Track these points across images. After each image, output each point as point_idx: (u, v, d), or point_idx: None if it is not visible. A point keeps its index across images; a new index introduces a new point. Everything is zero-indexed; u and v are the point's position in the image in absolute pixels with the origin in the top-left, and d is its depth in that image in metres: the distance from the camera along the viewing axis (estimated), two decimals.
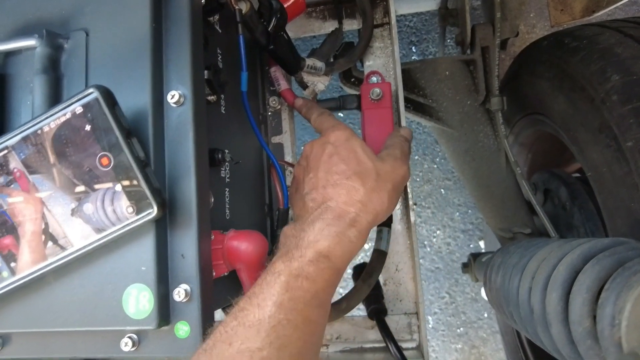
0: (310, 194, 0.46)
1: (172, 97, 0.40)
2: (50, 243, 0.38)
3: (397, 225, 0.72)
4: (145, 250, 0.38)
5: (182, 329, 0.39)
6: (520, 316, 0.45)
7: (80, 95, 0.36)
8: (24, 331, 0.42)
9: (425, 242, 1.45)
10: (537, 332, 0.42)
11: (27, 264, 0.38)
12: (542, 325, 0.39)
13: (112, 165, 0.36)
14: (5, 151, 0.36)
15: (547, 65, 0.70)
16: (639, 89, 0.53)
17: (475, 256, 0.81)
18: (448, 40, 1.29)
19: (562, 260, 0.37)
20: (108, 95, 0.36)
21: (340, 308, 0.54)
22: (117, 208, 0.37)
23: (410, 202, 0.65)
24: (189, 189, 0.40)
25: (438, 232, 1.44)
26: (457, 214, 1.43)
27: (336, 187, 0.44)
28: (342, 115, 1.49)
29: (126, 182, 0.36)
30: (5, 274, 0.38)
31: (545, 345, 0.41)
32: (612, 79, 0.55)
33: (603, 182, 0.57)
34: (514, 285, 0.46)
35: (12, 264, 0.38)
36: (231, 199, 0.53)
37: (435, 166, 1.45)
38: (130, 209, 0.37)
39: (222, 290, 0.46)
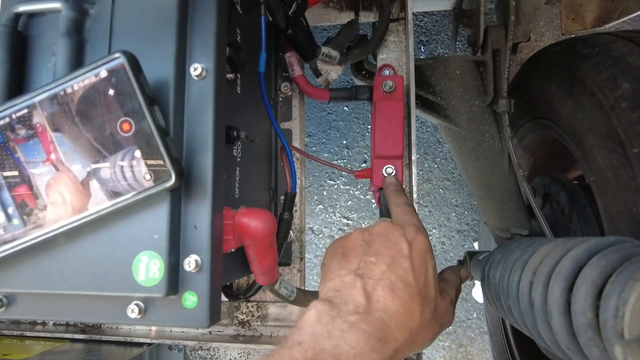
0: (364, 279, 0.40)
1: (195, 69, 0.40)
2: (65, 202, 0.38)
3: None
4: (159, 218, 0.39)
5: (190, 299, 0.40)
6: (519, 309, 0.46)
7: (106, 59, 0.36)
8: (30, 292, 0.41)
9: None
10: (535, 325, 0.42)
11: (40, 219, 0.38)
12: (542, 317, 0.40)
13: (133, 131, 0.36)
14: (31, 107, 0.36)
15: (559, 70, 0.71)
16: None
17: (472, 254, 0.82)
18: (458, 43, 1.29)
19: (567, 255, 0.37)
20: (134, 62, 0.36)
21: None
22: (135, 174, 0.37)
23: (415, 196, 0.66)
24: (205, 161, 0.40)
25: (434, 230, 1.46)
26: (454, 214, 1.44)
27: (395, 299, 0.39)
28: (347, 109, 1.49)
29: (146, 149, 0.36)
30: (16, 221, 0.38)
31: (544, 337, 0.42)
32: (623, 86, 0.56)
33: (607, 186, 0.58)
34: (514, 279, 0.47)
35: (25, 216, 0.38)
36: (241, 178, 0.53)
37: (436, 166, 1.47)
38: (148, 176, 0.37)
39: (228, 265, 0.46)
